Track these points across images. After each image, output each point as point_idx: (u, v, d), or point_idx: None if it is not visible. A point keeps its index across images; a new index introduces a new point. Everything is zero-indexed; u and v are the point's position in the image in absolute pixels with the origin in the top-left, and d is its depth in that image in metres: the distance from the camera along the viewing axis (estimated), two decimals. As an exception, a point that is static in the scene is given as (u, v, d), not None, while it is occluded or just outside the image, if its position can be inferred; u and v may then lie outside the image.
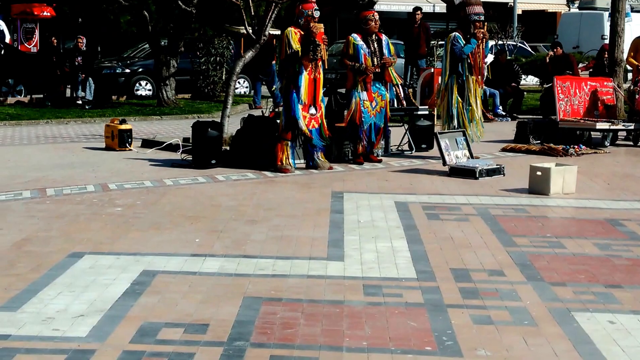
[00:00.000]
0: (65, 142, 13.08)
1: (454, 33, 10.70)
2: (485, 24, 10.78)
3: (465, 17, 10.60)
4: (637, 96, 12.83)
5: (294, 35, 9.53)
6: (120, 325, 4.46)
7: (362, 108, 10.22)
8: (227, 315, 4.62)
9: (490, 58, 19.20)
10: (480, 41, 10.47)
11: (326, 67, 10.01)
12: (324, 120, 9.83)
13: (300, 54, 9.45)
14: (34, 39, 24.98)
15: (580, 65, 19.18)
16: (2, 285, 5.14)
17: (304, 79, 9.56)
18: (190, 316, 4.61)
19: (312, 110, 9.67)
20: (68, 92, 19.15)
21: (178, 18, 18.02)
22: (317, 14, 9.60)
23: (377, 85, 10.31)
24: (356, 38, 10.26)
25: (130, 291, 5.05)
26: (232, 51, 21.51)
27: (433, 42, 20.23)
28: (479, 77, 10.62)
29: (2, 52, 19.70)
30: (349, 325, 4.51)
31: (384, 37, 10.48)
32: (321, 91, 9.81)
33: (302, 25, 9.58)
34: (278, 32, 18.19)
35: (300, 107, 9.55)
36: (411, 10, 19.00)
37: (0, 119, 15.97)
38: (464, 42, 10.46)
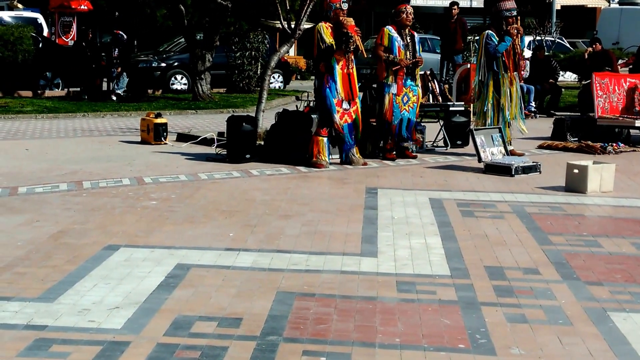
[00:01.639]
0: (102, 135, 13.22)
1: (487, 31, 10.62)
2: (519, 18, 10.67)
3: (497, 13, 10.53)
4: None
5: (326, 30, 9.54)
6: (155, 317, 4.51)
7: (394, 103, 10.21)
8: (260, 309, 4.65)
9: (527, 54, 19.09)
10: (514, 37, 10.37)
11: (365, 57, 9.98)
12: (360, 116, 9.82)
13: (334, 47, 9.45)
14: (71, 33, 25.24)
15: (620, 61, 18.93)
16: (39, 277, 5.23)
17: (339, 73, 9.56)
18: (224, 310, 4.65)
19: (345, 105, 9.67)
20: (105, 86, 19.34)
21: (214, 12, 18.10)
22: (345, 5, 9.60)
23: (409, 81, 10.29)
24: (391, 30, 10.27)
25: (165, 284, 5.10)
26: (268, 46, 21.58)
27: (469, 38, 20.10)
28: (514, 73, 10.51)
29: (40, 45, 19.95)
30: (381, 321, 4.52)
31: (415, 35, 10.49)
32: (356, 86, 9.81)
33: (331, 18, 9.59)
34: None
35: (335, 101, 9.56)
36: (448, 5, 18.89)
37: (38, 112, 16.19)
38: (498, 39, 10.38)
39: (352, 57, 9.65)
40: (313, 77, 10.93)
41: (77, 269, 5.40)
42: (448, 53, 18.43)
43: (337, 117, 9.56)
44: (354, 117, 9.75)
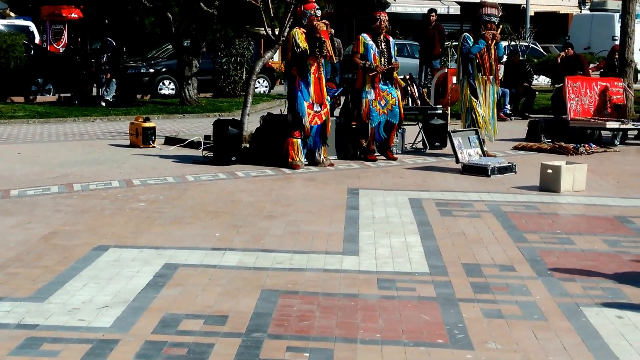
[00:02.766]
0: (92, 139, 13.15)
1: (464, 34, 10.68)
2: (500, 25, 10.72)
3: (478, 17, 10.58)
4: None
5: (300, 35, 9.57)
6: (143, 316, 4.48)
7: (371, 107, 10.22)
8: (245, 307, 4.63)
9: (502, 58, 19.14)
10: (489, 42, 10.41)
11: (335, 62, 10.02)
12: (329, 118, 9.86)
13: (308, 52, 9.48)
14: (62, 40, 25.11)
15: (591, 65, 19.04)
16: (30, 277, 5.18)
17: (312, 77, 9.59)
18: (210, 308, 4.63)
19: (317, 108, 9.69)
20: (95, 91, 19.24)
21: (200, 19, 18.04)
22: (318, 12, 9.66)
23: (386, 84, 10.31)
24: (366, 37, 10.29)
25: (153, 283, 5.07)
26: (252, 51, 21.55)
27: (447, 43, 20.15)
28: (490, 77, 10.55)
29: (32, 52, 19.83)
30: (363, 318, 4.51)
31: (391, 40, 10.51)
32: (325, 89, 9.83)
33: (305, 25, 9.61)
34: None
35: (305, 104, 9.58)
36: (426, 12, 18.93)
37: (29, 116, 16.07)
38: (473, 42, 10.43)
39: (323, 61, 9.67)
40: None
41: (68, 270, 5.35)
42: (426, 58, 18.47)
43: (306, 120, 9.56)
44: (324, 119, 9.77)
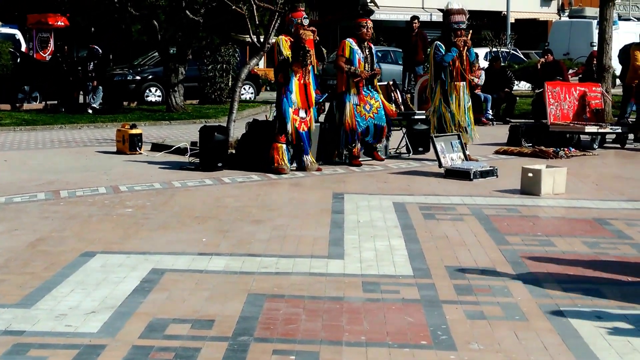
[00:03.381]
0: (79, 146, 13.09)
1: (436, 42, 10.73)
2: (470, 31, 10.79)
3: (447, 25, 10.64)
4: None
5: (285, 43, 9.59)
6: (130, 321, 4.46)
7: (355, 112, 10.24)
8: (232, 311, 4.62)
9: (484, 65, 19.24)
10: (461, 49, 10.47)
11: (316, 73, 10.05)
12: (312, 124, 9.87)
13: (291, 60, 9.49)
14: (48, 48, 25.02)
15: (570, 71, 19.15)
16: (17, 283, 5.15)
17: (295, 84, 9.61)
18: (197, 312, 4.61)
19: (302, 114, 9.70)
20: (81, 99, 19.16)
21: (186, 27, 18.03)
22: (306, 21, 9.68)
23: (368, 88, 10.34)
24: (352, 42, 10.33)
25: (140, 289, 5.05)
26: (238, 59, 21.55)
27: (430, 50, 20.20)
28: (462, 83, 10.58)
29: (18, 60, 19.73)
30: (348, 320, 4.51)
31: (373, 47, 10.55)
32: (313, 96, 9.84)
33: (292, 32, 9.63)
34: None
35: (291, 110, 9.59)
36: (409, 19, 18.99)
37: (16, 124, 15.99)
38: (445, 50, 10.48)
39: (310, 68, 9.70)
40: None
41: (55, 276, 5.32)
42: (410, 64, 18.53)
43: (289, 126, 9.57)
44: (309, 125, 9.78)
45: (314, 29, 9.77)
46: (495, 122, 16.19)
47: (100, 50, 19.53)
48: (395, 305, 4.78)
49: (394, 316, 4.58)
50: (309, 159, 9.89)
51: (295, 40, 9.58)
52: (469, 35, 10.67)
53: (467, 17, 10.70)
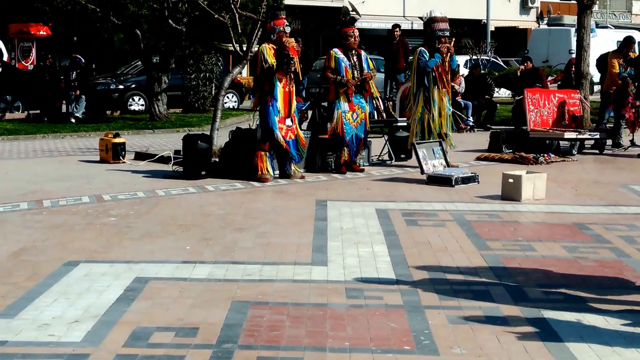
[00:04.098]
0: (61, 155, 13.02)
1: (420, 48, 10.78)
2: (453, 39, 10.86)
3: (431, 32, 10.69)
4: None
5: (269, 51, 9.58)
6: (114, 330, 4.43)
7: (344, 120, 10.26)
8: (216, 319, 4.61)
9: (465, 72, 19.34)
10: (444, 55, 10.52)
11: (300, 79, 10.06)
12: (300, 132, 9.87)
13: (275, 67, 9.50)
14: (31, 57, 24.88)
15: (549, 78, 19.30)
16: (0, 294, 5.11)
17: (280, 91, 9.60)
18: (181, 320, 4.60)
19: (289, 122, 9.71)
20: (64, 108, 19.07)
21: (169, 36, 18.00)
22: (288, 29, 9.69)
23: (358, 97, 10.36)
24: (337, 52, 10.33)
25: (124, 297, 5.02)
26: (221, 67, 21.53)
27: (411, 57, 20.25)
28: (444, 90, 10.63)
29: (0, 70, 19.60)
30: (332, 326, 4.51)
31: (362, 52, 10.56)
32: (294, 103, 9.85)
33: (274, 40, 9.64)
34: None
35: (276, 118, 9.59)
36: (390, 27, 19.07)
37: (-2, 134, 15.87)
38: (429, 56, 10.53)
39: (292, 76, 9.70)
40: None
41: (37, 285, 5.29)
42: (391, 72, 18.59)
43: (279, 133, 9.57)
44: (296, 133, 9.78)
45: (299, 38, 9.78)
46: (476, 129, 16.27)
47: (83, 60, 19.43)
48: (378, 311, 4.79)
49: (377, 322, 4.58)
50: (293, 166, 9.89)
51: (278, 48, 9.59)
52: (452, 42, 10.73)
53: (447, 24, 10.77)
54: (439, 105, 10.60)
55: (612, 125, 13.57)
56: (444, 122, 10.63)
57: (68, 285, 5.28)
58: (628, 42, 13.65)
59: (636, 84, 12.79)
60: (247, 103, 24.21)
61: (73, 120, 18.24)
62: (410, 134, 10.84)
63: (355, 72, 10.30)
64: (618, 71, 13.27)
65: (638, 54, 13.83)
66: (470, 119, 16.52)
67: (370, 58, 10.83)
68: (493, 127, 15.89)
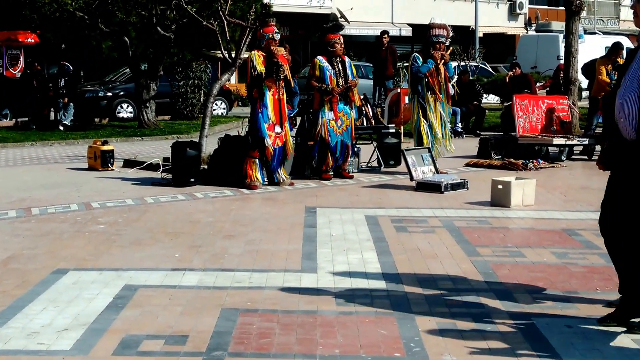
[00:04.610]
0: (50, 163, 12.98)
1: (414, 54, 10.81)
2: (450, 47, 10.87)
3: (427, 38, 10.72)
4: None
5: (258, 58, 9.59)
6: (103, 338, 4.42)
7: (329, 127, 10.28)
8: (205, 326, 4.60)
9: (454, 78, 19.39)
10: (438, 61, 10.53)
11: (292, 86, 10.07)
12: (289, 139, 9.88)
13: (264, 75, 9.51)
14: (18, 65, 24.79)
15: (538, 84, 19.37)
16: (-12, 302, 5.09)
17: (269, 99, 9.61)
18: (171, 328, 4.59)
19: (278, 129, 9.71)
20: (52, 116, 19.02)
21: (157, 43, 17.98)
22: (277, 36, 9.69)
23: (342, 104, 10.39)
24: (321, 60, 10.35)
25: (113, 305, 5.01)
26: (210, 74, 21.52)
27: (399, 64, 20.35)
28: (440, 95, 10.65)
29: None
30: (322, 334, 4.51)
31: (347, 59, 10.58)
32: (286, 111, 9.85)
33: (263, 47, 9.65)
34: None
35: (266, 125, 9.59)
36: (378, 34, 19.11)
37: (-14, 141, 15.81)
38: (423, 62, 10.56)
39: (283, 84, 9.71)
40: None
41: (27, 293, 5.27)
42: (380, 79, 18.62)
43: (269, 140, 9.58)
44: (284, 140, 9.79)
45: (286, 45, 9.80)
46: (465, 135, 16.31)
47: (71, 67, 19.39)
48: (368, 318, 4.79)
49: (367, 329, 4.59)
50: (282, 173, 9.90)
51: (267, 55, 9.60)
52: (448, 50, 10.75)
53: (450, 34, 10.75)
54: (436, 111, 10.59)
55: (600, 131, 13.63)
56: (439, 129, 10.62)
57: (57, 293, 5.27)
58: (616, 48, 13.74)
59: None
60: (236, 110, 24.24)
61: (61, 128, 18.20)
62: (414, 140, 10.83)
63: (340, 79, 10.32)
64: (605, 77, 13.35)
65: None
66: (459, 125, 16.57)
67: (354, 65, 10.86)
68: (482, 133, 15.94)
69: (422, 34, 10.98)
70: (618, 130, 4.64)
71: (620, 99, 4.62)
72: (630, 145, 4.54)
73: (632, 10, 4.74)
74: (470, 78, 19.44)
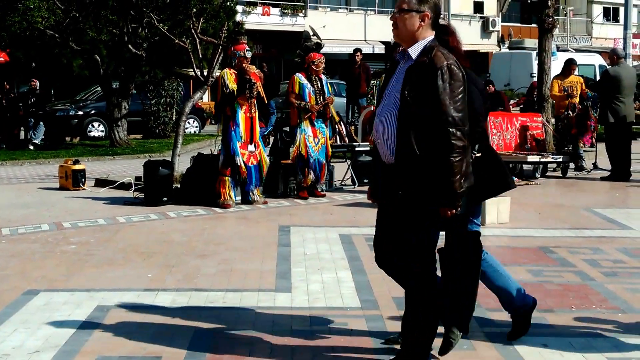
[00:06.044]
0: (20, 182, 12.87)
1: (383, 73, 10.91)
2: None
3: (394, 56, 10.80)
4: None
5: (230, 76, 9.62)
6: (75, 359, 4.39)
7: (308, 143, 10.32)
8: (179, 347, 4.58)
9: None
10: None
11: (266, 103, 10.10)
12: (265, 157, 9.90)
13: (236, 92, 9.53)
14: (-12, 84, 24.57)
15: (511, 101, 19.57)
16: (-43, 325, 5.03)
17: (241, 117, 9.63)
18: (144, 349, 4.56)
19: (251, 148, 9.73)
20: (22, 135, 18.88)
21: (128, 61, 17.96)
22: (248, 54, 9.73)
23: (319, 122, 10.44)
24: (301, 77, 10.41)
25: (85, 326, 4.97)
26: (182, 92, 21.52)
27: (373, 82, 20.47)
28: None
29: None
30: (296, 354, 4.50)
31: (323, 77, 10.66)
32: (258, 129, 9.87)
33: (235, 65, 9.68)
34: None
35: (238, 144, 9.60)
36: (352, 52, 19.24)
37: (-46, 161, 15.65)
38: None
39: (255, 102, 9.74)
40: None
41: (-4, 315, 5.22)
42: (353, 96, 18.72)
43: (241, 159, 9.58)
44: (259, 159, 9.80)
45: (264, 64, 9.84)
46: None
47: (38, 85, 19.24)
48: (343, 338, 4.80)
49: (342, 349, 4.59)
50: (255, 192, 9.91)
51: (239, 73, 9.63)
52: None
53: None
54: None
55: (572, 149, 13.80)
56: None
57: (28, 315, 5.22)
58: (568, 64, 13.97)
59: (597, 107, 13.05)
60: (209, 128, 24.23)
61: (31, 147, 18.07)
62: None
63: (319, 97, 10.39)
64: (557, 92, 13.61)
65: (579, 74, 14.17)
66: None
67: (330, 82, 10.94)
68: (456, 151, 16.01)
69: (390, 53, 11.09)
70: (378, 153, 4.03)
71: (377, 118, 4.01)
72: (390, 170, 3.99)
73: None
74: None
